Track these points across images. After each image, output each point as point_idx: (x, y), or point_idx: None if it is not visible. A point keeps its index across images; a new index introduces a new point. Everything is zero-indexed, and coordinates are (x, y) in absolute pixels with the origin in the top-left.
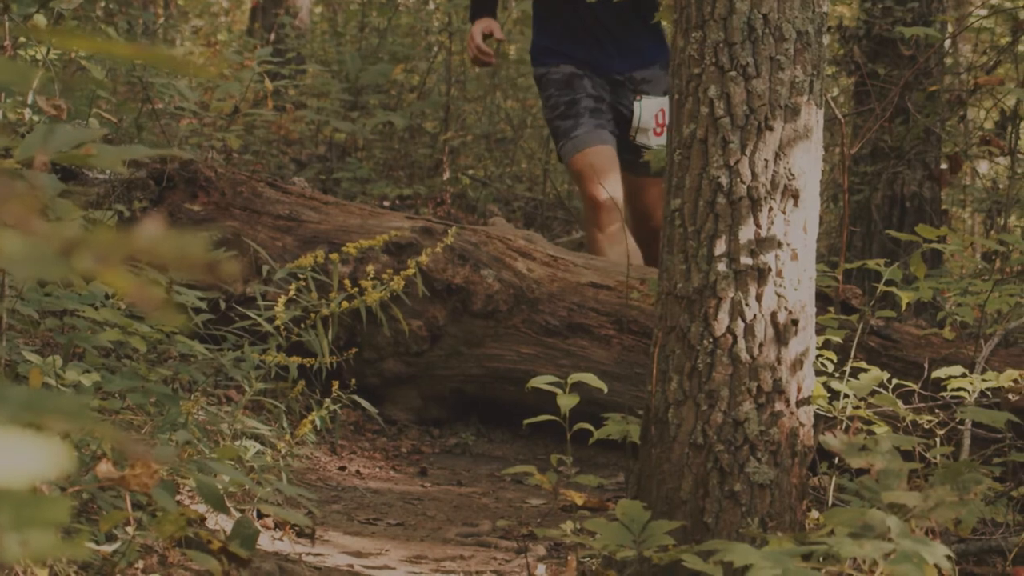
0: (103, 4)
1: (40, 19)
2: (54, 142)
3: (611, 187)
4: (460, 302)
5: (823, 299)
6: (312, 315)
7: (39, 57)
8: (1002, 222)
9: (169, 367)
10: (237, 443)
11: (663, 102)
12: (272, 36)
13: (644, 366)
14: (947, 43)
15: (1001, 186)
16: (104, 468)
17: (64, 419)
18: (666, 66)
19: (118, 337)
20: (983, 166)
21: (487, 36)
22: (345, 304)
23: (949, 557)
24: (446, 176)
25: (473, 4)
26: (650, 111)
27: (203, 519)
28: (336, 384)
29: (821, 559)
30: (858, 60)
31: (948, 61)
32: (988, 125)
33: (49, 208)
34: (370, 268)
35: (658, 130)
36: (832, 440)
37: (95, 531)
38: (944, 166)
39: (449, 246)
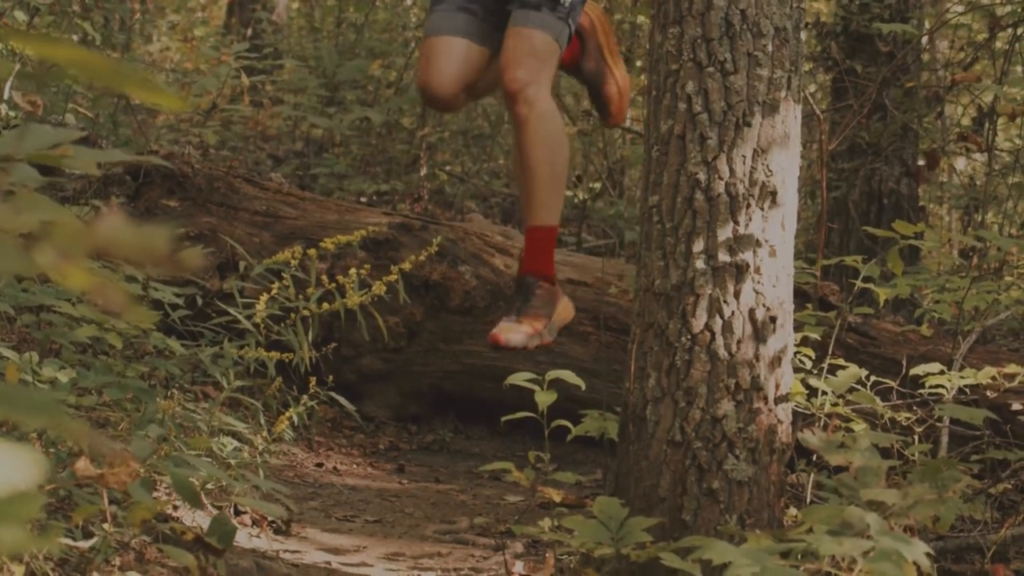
0: None
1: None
2: (31, 142)
3: (441, 79)
4: (438, 299)
5: (801, 296)
6: (292, 314)
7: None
8: (979, 219)
9: (146, 363)
10: (215, 439)
11: None
12: (249, 31)
13: (622, 363)
14: (924, 40)
15: (978, 183)
16: (82, 465)
17: (38, 416)
18: None
19: (94, 333)
20: (960, 162)
21: None
22: (326, 305)
23: (929, 555)
24: (423, 172)
25: None
26: None
27: (175, 508)
28: (314, 381)
29: (800, 557)
30: (835, 56)
31: (925, 58)
32: (965, 122)
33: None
34: (352, 271)
35: None
36: (811, 437)
37: (71, 528)
38: (921, 162)
39: (426, 242)
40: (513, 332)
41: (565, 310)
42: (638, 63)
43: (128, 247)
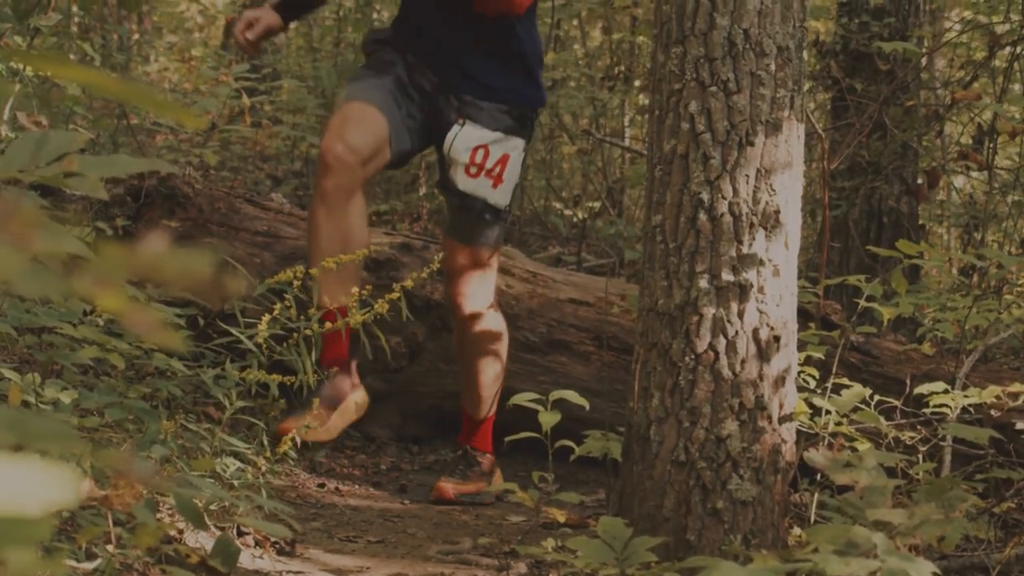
0: (77, 20)
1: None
2: (46, 151)
3: (355, 139)
4: (439, 318)
5: (803, 315)
6: (294, 334)
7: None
8: (979, 237)
9: (148, 384)
10: (217, 460)
11: (489, 142)
12: None
13: (624, 382)
14: (923, 58)
15: (978, 201)
16: (86, 487)
17: (50, 440)
18: (510, 116)
19: (96, 354)
20: (959, 181)
21: (251, 26)
22: (328, 325)
23: (935, 574)
24: (422, 191)
25: None
26: (467, 142)
27: (181, 532)
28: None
29: None
30: (835, 75)
31: (924, 76)
32: (965, 140)
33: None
34: (354, 290)
35: (472, 170)
36: (817, 457)
37: (74, 549)
38: (921, 181)
39: (427, 262)
40: (461, 487)
41: (498, 481)
42: (636, 83)
43: (169, 272)
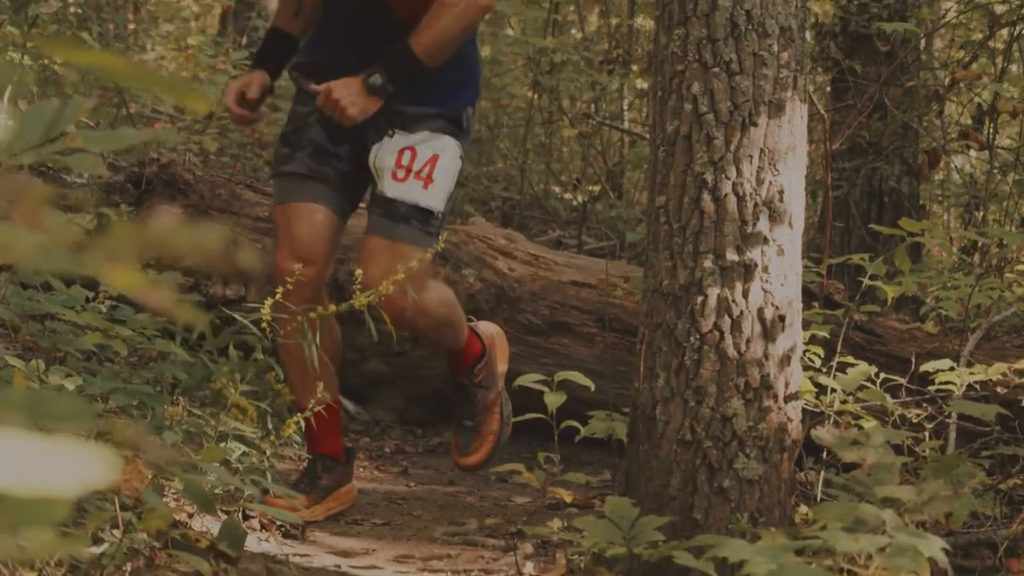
0: (74, 10)
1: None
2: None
3: (306, 249)
4: None
5: (806, 295)
6: (298, 317)
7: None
8: (980, 216)
9: (151, 369)
10: (222, 444)
11: (416, 143)
12: (244, 39)
13: (627, 364)
14: (923, 39)
15: (979, 181)
16: None
17: (64, 420)
18: (442, 116)
19: (100, 341)
20: (959, 161)
21: (244, 95)
22: (332, 307)
23: (945, 550)
24: None
25: (258, 50)
26: (392, 147)
27: (190, 515)
28: (321, 385)
29: (813, 554)
30: (835, 56)
31: (924, 57)
32: (965, 120)
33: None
34: (357, 272)
35: (400, 173)
36: (824, 434)
37: (82, 534)
38: (922, 161)
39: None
40: (479, 454)
41: (501, 344)
42: (635, 67)
43: (181, 247)
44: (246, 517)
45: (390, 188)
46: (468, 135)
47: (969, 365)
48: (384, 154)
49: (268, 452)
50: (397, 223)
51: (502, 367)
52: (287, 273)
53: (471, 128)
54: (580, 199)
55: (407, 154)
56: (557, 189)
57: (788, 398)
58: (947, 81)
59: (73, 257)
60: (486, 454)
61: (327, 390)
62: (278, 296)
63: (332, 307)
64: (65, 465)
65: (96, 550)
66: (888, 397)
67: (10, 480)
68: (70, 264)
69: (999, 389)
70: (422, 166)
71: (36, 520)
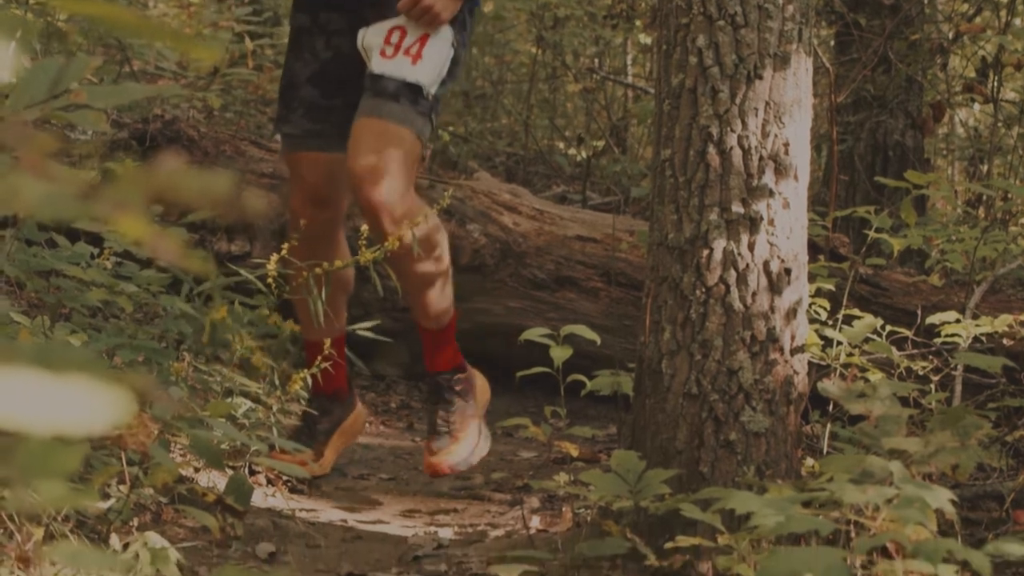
0: None
1: None
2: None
3: (319, 192)
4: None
5: (812, 248)
6: (304, 273)
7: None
8: (984, 170)
9: (157, 326)
10: (228, 400)
11: (405, 22)
12: None
13: (633, 318)
14: None
15: (983, 134)
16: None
17: (77, 369)
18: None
19: (105, 297)
20: (963, 114)
21: None
22: (339, 263)
23: (953, 501)
24: None
25: None
26: (380, 28)
27: (196, 470)
28: (328, 342)
29: (820, 506)
30: (839, 10)
31: (928, 10)
32: (969, 73)
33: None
34: (363, 227)
35: (388, 51)
36: (830, 387)
37: (90, 488)
38: (926, 114)
39: (434, 201)
40: (453, 455)
41: (483, 391)
42: (638, 21)
43: (188, 191)
44: (252, 472)
45: (378, 65)
46: (464, 33)
47: (975, 318)
48: (373, 35)
49: (274, 408)
50: (386, 101)
51: (484, 399)
52: (304, 216)
53: (469, 28)
54: (584, 154)
55: (396, 33)
56: (561, 145)
57: (794, 351)
58: (951, 34)
59: (80, 205)
60: (462, 459)
61: (336, 320)
62: (294, 240)
63: (339, 262)
64: (77, 406)
65: (103, 505)
66: (894, 349)
67: (22, 421)
68: (77, 212)
69: (1005, 341)
70: (411, 44)
71: (50, 470)
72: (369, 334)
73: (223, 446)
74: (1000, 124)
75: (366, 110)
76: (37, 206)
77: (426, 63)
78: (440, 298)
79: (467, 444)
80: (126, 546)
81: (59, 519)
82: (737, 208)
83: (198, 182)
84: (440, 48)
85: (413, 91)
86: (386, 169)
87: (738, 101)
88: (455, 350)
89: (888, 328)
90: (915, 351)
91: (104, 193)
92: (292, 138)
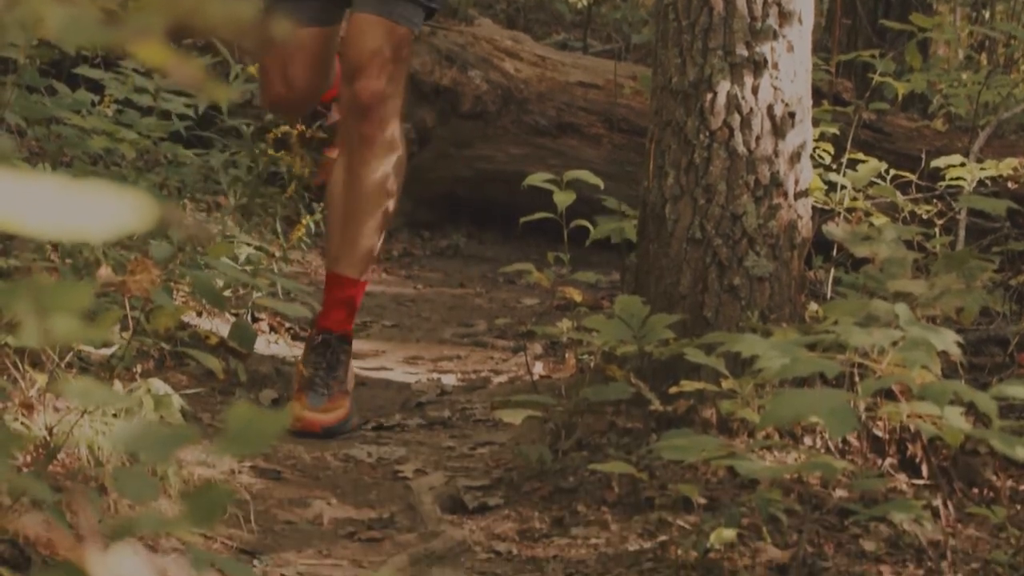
0: None
1: None
2: None
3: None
4: (448, 104)
5: (815, 93)
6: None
7: None
8: (987, 15)
9: (158, 173)
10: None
11: None
12: None
13: (635, 164)
14: None
15: None
16: (104, 273)
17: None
18: None
19: (106, 144)
20: None
21: None
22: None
23: (959, 343)
24: None
25: None
26: None
27: (199, 314)
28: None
29: (825, 349)
30: None
31: None
32: None
33: None
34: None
35: None
36: (836, 230)
37: (102, 325)
38: None
39: (435, 48)
40: (329, 416)
41: (353, 378)
42: None
43: (211, 16)
44: (255, 320)
45: None
46: None
47: (979, 162)
48: None
49: (277, 255)
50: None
51: (352, 385)
52: (283, 97)
53: None
54: (585, 1)
55: None
56: None
57: (798, 195)
58: None
59: (103, 30)
60: (344, 416)
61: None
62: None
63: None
64: (100, 208)
65: (105, 351)
66: (898, 193)
67: (45, 222)
68: (100, 37)
69: (1010, 184)
70: None
71: (61, 306)
72: None
73: (226, 293)
74: None
75: (370, 6)
76: (60, 31)
77: None
78: (373, 239)
79: (343, 412)
80: (129, 393)
81: (62, 365)
82: (741, 51)
83: (221, 7)
84: None
85: None
86: (384, 68)
87: None
88: (352, 318)
89: (892, 172)
90: (919, 195)
91: (127, 19)
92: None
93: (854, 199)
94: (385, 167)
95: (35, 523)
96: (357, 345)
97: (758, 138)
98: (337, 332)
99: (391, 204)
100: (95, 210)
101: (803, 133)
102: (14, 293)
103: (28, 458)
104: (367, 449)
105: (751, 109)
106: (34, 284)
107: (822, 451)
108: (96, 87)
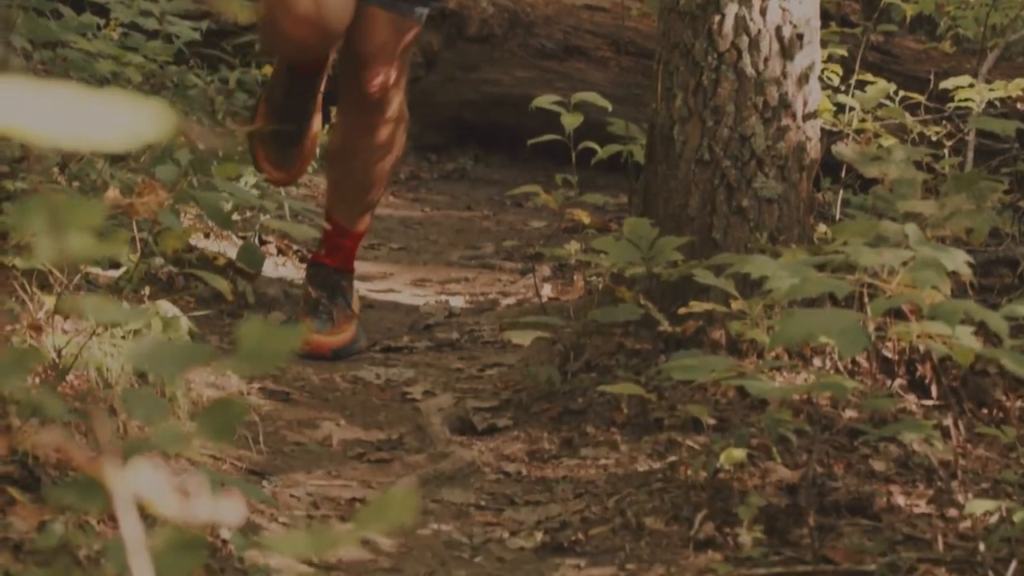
0: None
1: None
2: None
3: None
4: (455, 27)
5: (822, 15)
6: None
7: None
8: None
9: (164, 97)
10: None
11: None
12: None
13: (642, 87)
14: None
15: None
16: (111, 195)
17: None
18: None
19: (113, 68)
20: None
21: None
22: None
23: (969, 263)
24: None
25: None
26: None
27: (206, 236)
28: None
29: (834, 269)
30: None
31: None
32: None
33: None
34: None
35: None
36: (845, 150)
37: (116, 241)
38: None
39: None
40: (337, 338)
41: (357, 300)
42: None
43: None
44: (263, 243)
45: None
46: None
47: (987, 83)
48: None
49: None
50: None
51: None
52: (306, 24)
53: None
54: None
55: None
56: None
57: (807, 116)
58: None
59: None
60: (352, 338)
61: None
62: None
63: None
64: (119, 118)
65: (113, 274)
66: (907, 114)
67: (63, 132)
68: None
69: (1019, 105)
70: None
71: (75, 223)
72: None
73: (234, 216)
74: None
75: (378, 0)
76: None
77: None
78: (376, 190)
79: (350, 334)
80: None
81: (70, 288)
82: None
83: None
84: None
85: None
86: (391, 62)
87: None
88: (353, 258)
89: (901, 94)
90: (928, 116)
91: None
92: None
93: (863, 120)
94: (387, 145)
95: (47, 441)
96: (365, 267)
97: (766, 60)
98: (340, 268)
99: (392, 173)
100: (113, 120)
101: (811, 55)
102: (28, 210)
103: (38, 380)
104: (376, 371)
105: (759, 31)
106: (48, 200)
107: (831, 372)
108: (102, 10)
